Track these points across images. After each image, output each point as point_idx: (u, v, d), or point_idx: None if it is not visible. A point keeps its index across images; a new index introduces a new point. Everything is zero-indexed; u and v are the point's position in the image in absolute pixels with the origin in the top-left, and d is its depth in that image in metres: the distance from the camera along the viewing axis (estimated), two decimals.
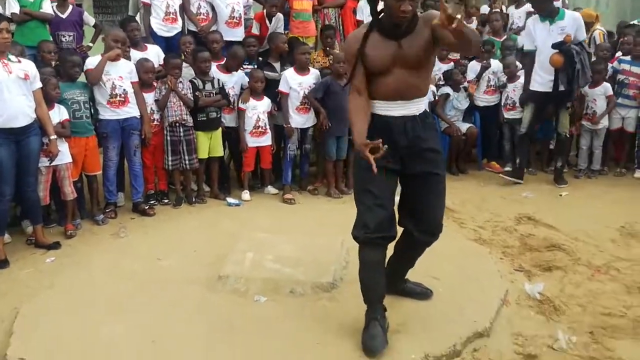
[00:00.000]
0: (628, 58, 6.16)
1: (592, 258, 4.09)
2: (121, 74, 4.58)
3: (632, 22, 6.93)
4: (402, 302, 3.16)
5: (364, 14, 6.07)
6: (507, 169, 6.35)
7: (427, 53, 2.64)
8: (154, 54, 5.15)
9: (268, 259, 3.58)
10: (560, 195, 5.58)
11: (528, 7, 7.10)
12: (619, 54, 6.34)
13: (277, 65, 5.45)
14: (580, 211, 5.10)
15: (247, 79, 5.30)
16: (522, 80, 6.05)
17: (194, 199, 5.15)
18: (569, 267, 3.95)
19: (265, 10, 5.84)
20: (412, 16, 2.58)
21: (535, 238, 4.48)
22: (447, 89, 6.17)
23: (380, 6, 2.69)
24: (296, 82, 5.21)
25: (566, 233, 4.55)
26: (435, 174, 2.80)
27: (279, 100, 5.30)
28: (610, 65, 6.19)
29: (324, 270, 3.41)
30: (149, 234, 4.41)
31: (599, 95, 5.96)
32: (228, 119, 5.32)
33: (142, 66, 4.79)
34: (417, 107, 2.74)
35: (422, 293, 3.22)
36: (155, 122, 4.94)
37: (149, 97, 4.88)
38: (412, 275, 3.26)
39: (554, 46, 5.35)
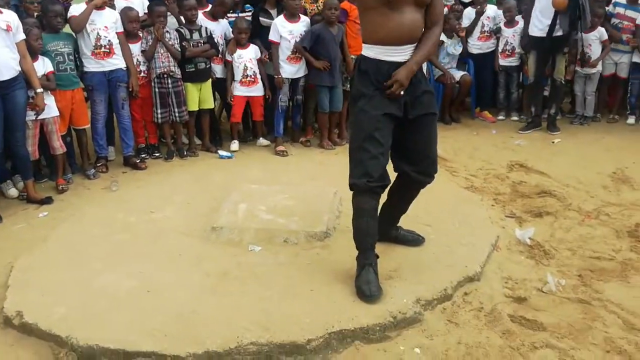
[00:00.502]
0: (624, 1, 6.04)
1: (583, 204, 4.13)
2: (106, 23, 4.45)
3: None
4: (395, 248, 3.20)
5: None
6: (500, 117, 6.34)
7: None
8: (139, 2, 5.01)
9: (261, 210, 3.59)
10: (553, 142, 5.59)
11: None
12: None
13: (273, 12, 5.29)
14: (572, 158, 5.12)
15: (231, 30, 5.17)
16: (521, 24, 5.94)
17: (185, 152, 5.12)
18: (559, 212, 4.00)
19: None
20: None
21: (527, 185, 4.51)
22: (441, 36, 6.06)
23: None
24: (286, 30, 5.08)
25: (557, 179, 4.59)
26: (432, 113, 2.85)
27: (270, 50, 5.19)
28: (607, 8, 6.07)
29: (317, 220, 3.43)
30: (142, 187, 4.40)
31: (593, 40, 5.88)
32: (218, 70, 5.22)
33: (127, 15, 4.65)
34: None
35: (414, 240, 3.25)
36: (143, 74, 4.84)
37: (135, 48, 4.77)
38: (405, 223, 3.29)
39: None
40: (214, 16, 5.14)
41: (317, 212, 3.55)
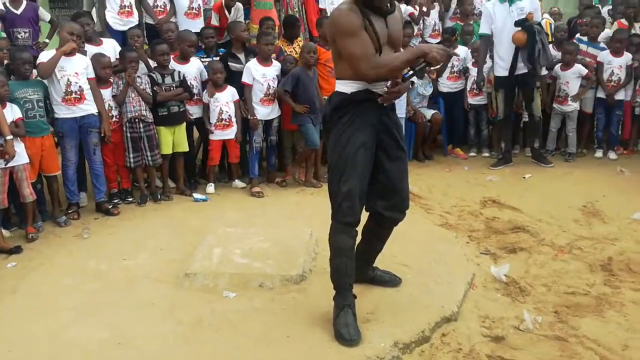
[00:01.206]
0: (585, 39, 6.30)
1: (556, 238, 4.19)
2: (77, 69, 4.43)
3: (592, 4, 7.07)
4: (372, 289, 3.18)
5: (326, 2, 6.02)
6: (472, 154, 6.47)
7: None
8: (110, 48, 5.01)
9: (236, 254, 3.55)
10: (524, 177, 5.69)
11: None
12: (578, 34, 6.46)
13: (241, 57, 5.37)
14: (543, 193, 5.21)
15: (206, 72, 5.21)
16: (489, 64, 6.12)
17: (159, 196, 5.06)
18: (533, 248, 4.05)
19: (223, 1, 5.73)
20: None
21: (500, 221, 4.57)
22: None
23: None
24: (259, 74, 5.15)
25: (530, 215, 4.66)
26: (403, 149, 2.91)
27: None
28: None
29: (292, 263, 3.40)
30: (114, 233, 4.31)
31: (571, 77, 6.03)
32: (196, 111, 5.23)
33: (98, 61, 4.65)
34: None
35: (390, 280, 3.24)
36: (114, 119, 4.82)
37: (107, 93, 4.75)
38: (381, 262, 3.29)
39: (516, 24, 5.46)
40: (183, 58, 5.17)
41: (292, 254, 3.52)
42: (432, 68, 2.55)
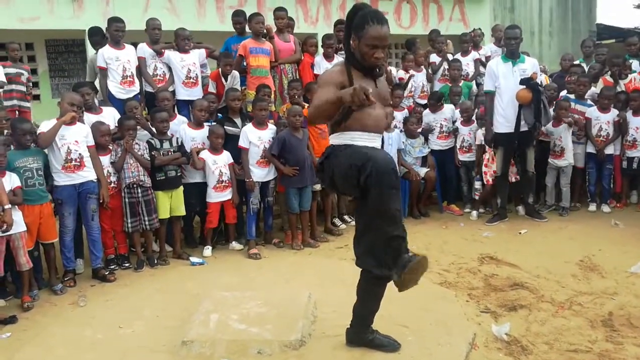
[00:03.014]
0: (573, 96, 6.49)
1: (555, 294, 4.17)
2: (77, 138, 4.53)
3: (576, 62, 7.33)
4: (372, 355, 3.12)
5: (321, 69, 6.24)
6: (467, 210, 6.51)
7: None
8: (110, 117, 5.14)
9: (233, 319, 3.50)
10: (520, 233, 5.72)
11: (475, 55, 7.48)
12: (563, 92, 6.67)
13: (237, 120, 5.51)
14: (539, 248, 5.22)
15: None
16: (476, 124, 6.28)
17: (155, 261, 5.05)
18: (533, 305, 4.01)
19: (220, 69, 5.93)
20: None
21: (499, 278, 4.55)
22: (403, 137, 6.34)
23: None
24: (255, 137, 5.28)
25: (528, 270, 4.65)
26: None
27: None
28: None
29: (291, 327, 3.36)
30: (110, 300, 4.27)
31: (563, 131, 6.18)
32: (193, 174, 5.31)
33: (98, 129, 4.77)
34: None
35: (389, 345, 3.18)
36: (113, 185, 4.88)
37: (105, 160, 4.83)
38: (380, 323, 3.24)
39: (522, 82, 5.66)
40: (197, 124, 5.36)
41: (291, 318, 3.48)
42: (356, 109, 2.63)
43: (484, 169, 6.21)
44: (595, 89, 6.62)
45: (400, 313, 3.58)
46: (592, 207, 6.33)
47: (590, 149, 6.31)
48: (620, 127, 6.19)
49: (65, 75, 9.15)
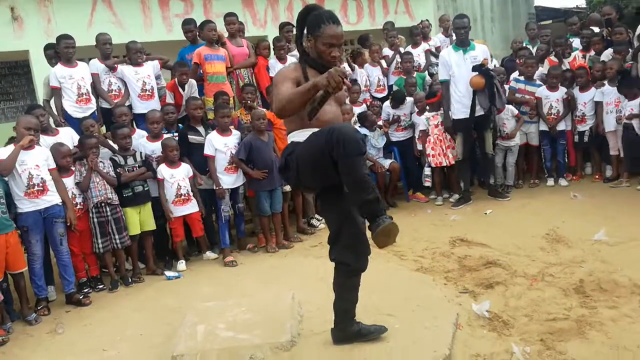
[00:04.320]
0: (522, 78, 6.74)
1: (527, 268, 4.33)
2: (37, 162, 4.40)
3: (523, 45, 7.59)
4: (362, 347, 3.15)
5: (276, 71, 6.23)
6: (432, 196, 6.66)
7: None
8: (67, 137, 5.01)
9: (221, 328, 3.48)
10: (485, 213, 5.90)
11: (425, 46, 7.65)
12: (515, 74, 6.91)
13: (200, 129, 5.46)
14: (506, 226, 5.40)
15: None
16: (427, 115, 6.44)
17: (130, 280, 4.95)
18: (507, 280, 4.16)
19: (176, 79, 5.87)
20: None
21: (472, 258, 4.68)
22: (364, 130, 6.43)
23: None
24: (221, 144, 5.25)
25: (498, 249, 4.81)
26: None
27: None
28: (507, 85, 6.73)
29: (280, 329, 3.37)
30: (89, 325, 4.16)
31: (506, 118, 6.44)
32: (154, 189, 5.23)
33: (58, 151, 4.63)
34: None
35: (376, 331, 3.23)
36: (79, 206, 4.75)
37: (69, 182, 4.70)
38: (366, 315, 3.30)
39: (474, 69, 5.85)
40: (155, 137, 5.29)
41: (278, 320, 3.49)
42: (332, 93, 2.63)
43: (430, 151, 6.37)
44: (543, 70, 6.88)
45: (384, 303, 3.65)
46: (550, 182, 6.59)
47: (543, 127, 6.57)
48: (569, 104, 6.48)
49: (10, 98, 8.80)
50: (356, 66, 7.09)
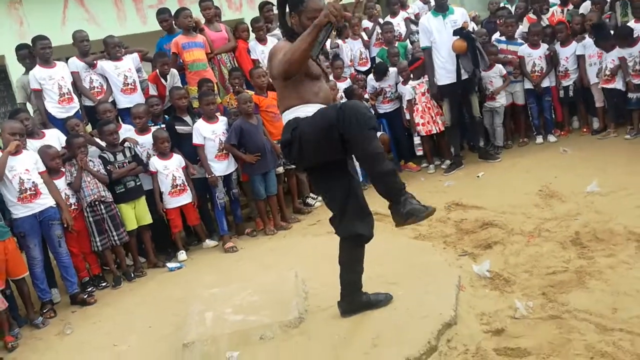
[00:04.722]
0: (503, 38, 6.73)
1: (523, 225, 4.39)
2: (27, 166, 4.37)
3: (501, 5, 7.56)
4: (369, 316, 3.21)
5: (257, 52, 6.20)
6: (424, 165, 6.70)
7: None
8: (54, 138, 4.96)
9: (228, 312, 3.52)
10: (478, 176, 5.95)
11: (404, 14, 7.61)
12: (496, 35, 6.90)
13: (187, 119, 5.42)
14: (499, 186, 5.45)
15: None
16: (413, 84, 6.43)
17: (132, 275, 4.97)
18: (505, 239, 4.22)
19: (157, 70, 5.80)
20: None
21: (468, 221, 4.74)
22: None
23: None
24: (209, 131, 5.23)
25: (493, 209, 4.86)
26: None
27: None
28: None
29: (287, 307, 3.41)
30: (97, 322, 4.19)
31: (493, 76, 6.43)
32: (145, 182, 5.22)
33: (46, 153, 4.60)
34: None
35: (384, 299, 3.29)
36: (73, 207, 4.74)
37: (60, 183, 4.68)
38: (372, 285, 3.34)
39: (455, 33, 5.85)
40: (141, 130, 5.28)
41: (284, 299, 3.53)
42: (336, 25, 2.64)
43: (419, 120, 6.39)
44: (523, 28, 6.88)
45: (387, 272, 3.69)
46: (539, 139, 6.64)
47: (528, 85, 6.58)
48: (552, 60, 6.49)
49: None
50: (340, 41, 7.04)
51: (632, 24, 6.11)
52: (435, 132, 6.41)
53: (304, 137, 2.83)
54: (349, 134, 2.68)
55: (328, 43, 6.83)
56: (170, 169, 5.15)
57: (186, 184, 5.21)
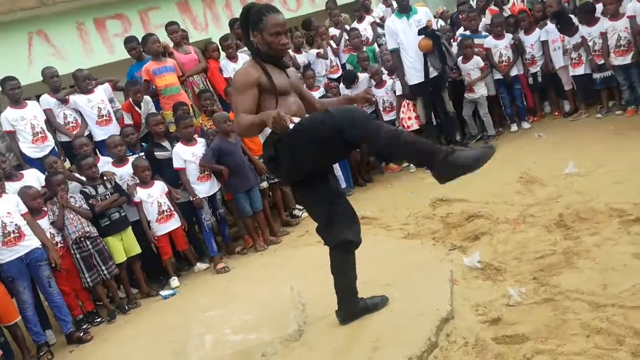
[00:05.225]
0: (468, 32, 6.86)
1: (507, 214, 4.46)
2: (8, 209, 4.32)
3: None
4: (367, 320, 3.22)
5: (229, 70, 6.22)
6: (405, 165, 6.76)
7: None
8: (33, 178, 4.91)
9: (228, 333, 3.52)
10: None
11: (369, 19, 7.70)
12: (460, 30, 7.02)
13: (166, 144, 5.41)
14: (479, 177, 5.40)
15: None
16: (389, 83, 6.51)
17: (126, 307, 4.93)
18: (491, 229, 4.29)
19: (130, 99, 5.79)
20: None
21: (454, 215, 4.80)
22: None
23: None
24: (189, 154, 5.23)
25: (477, 201, 4.93)
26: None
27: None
28: (454, 42, 6.83)
29: (285, 321, 3.42)
30: (96, 359, 4.15)
31: (471, 68, 6.54)
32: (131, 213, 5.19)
33: (27, 194, 4.55)
34: None
35: (381, 302, 3.31)
36: (59, 245, 4.69)
37: (44, 223, 4.63)
38: (366, 289, 3.36)
39: (420, 32, 5.96)
40: (119, 161, 5.23)
41: (281, 313, 3.54)
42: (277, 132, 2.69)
43: (402, 115, 6.46)
44: (486, 20, 7.01)
45: (380, 275, 3.72)
46: (514, 127, 6.76)
47: (497, 75, 6.71)
48: (518, 49, 6.63)
49: None
50: (314, 52, 7.09)
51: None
52: (415, 128, 6.44)
53: (296, 140, 2.74)
54: (356, 136, 2.61)
55: (304, 56, 6.91)
56: (154, 197, 5.14)
57: (172, 208, 5.20)
